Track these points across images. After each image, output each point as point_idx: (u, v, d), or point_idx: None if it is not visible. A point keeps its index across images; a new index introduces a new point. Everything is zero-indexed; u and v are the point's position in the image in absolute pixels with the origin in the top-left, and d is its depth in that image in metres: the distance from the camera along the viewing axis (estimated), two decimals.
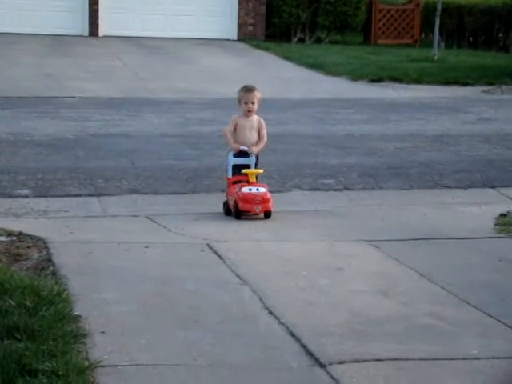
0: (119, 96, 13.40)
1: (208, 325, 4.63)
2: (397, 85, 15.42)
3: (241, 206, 6.90)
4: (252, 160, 7.13)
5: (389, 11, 21.85)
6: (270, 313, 4.83)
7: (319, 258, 5.89)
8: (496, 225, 6.86)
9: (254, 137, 7.12)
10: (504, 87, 15.30)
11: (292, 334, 4.53)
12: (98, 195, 7.68)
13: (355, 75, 16.03)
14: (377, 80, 15.71)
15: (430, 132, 10.94)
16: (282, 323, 4.68)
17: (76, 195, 7.65)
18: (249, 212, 6.94)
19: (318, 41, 21.69)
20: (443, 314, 4.88)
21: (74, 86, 14.05)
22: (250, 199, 6.88)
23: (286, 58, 18.20)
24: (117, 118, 11.42)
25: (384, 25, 21.84)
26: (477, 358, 4.29)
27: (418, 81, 15.63)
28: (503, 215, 7.13)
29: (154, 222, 6.89)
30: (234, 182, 7.06)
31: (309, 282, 5.36)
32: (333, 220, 7.07)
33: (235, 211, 6.96)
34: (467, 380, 4.07)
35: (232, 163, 7.11)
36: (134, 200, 7.59)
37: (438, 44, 18.94)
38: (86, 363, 4.05)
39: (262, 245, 6.22)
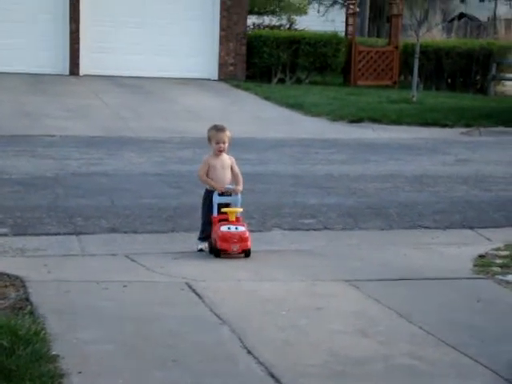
0: (99, 135, 13.41)
1: (187, 364, 4.60)
2: (376, 125, 15.54)
3: (219, 244, 6.91)
4: (238, 199, 7.14)
5: (368, 53, 22.07)
6: (249, 352, 4.81)
7: (299, 298, 5.89)
8: (475, 265, 6.89)
9: (227, 175, 7.17)
10: (482, 129, 15.45)
11: (271, 375, 4.51)
12: (77, 234, 7.66)
13: (335, 116, 16.15)
14: (356, 121, 15.82)
15: (409, 172, 11.01)
16: (261, 363, 4.66)
17: (55, 234, 7.62)
18: (226, 251, 6.93)
19: (299, 81, 21.85)
20: (421, 354, 4.88)
21: (53, 124, 14.05)
22: (227, 238, 6.89)
23: (267, 98, 18.32)
24: (97, 157, 11.42)
25: (363, 66, 22.04)
26: None
27: (397, 122, 15.75)
28: (482, 256, 7.16)
29: (133, 260, 6.86)
30: (220, 221, 7.05)
31: (288, 322, 5.35)
32: (313, 260, 7.07)
33: (214, 250, 6.96)
34: None
35: (217, 202, 7.08)
36: (113, 239, 7.57)
37: (417, 86, 19.13)
38: None
39: (241, 284, 6.21)
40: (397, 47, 22.14)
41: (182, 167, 10.87)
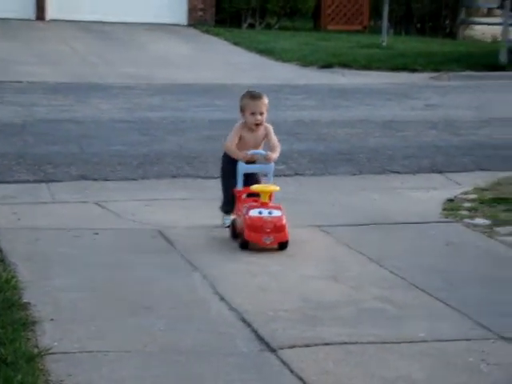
0: (67, 81, 13.25)
1: (159, 311, 4.62)
2: (346, 71, 15.48)
3: (247, 234, 5.60)
4: (270, 168, 5.91)
5: None
6: (222, 298, 4.84)
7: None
8: (443, 209, 6.95)
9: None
10: (451, 74, 15.45)
11: (243, 320, 4.55)
12: (47, 181, 7.61)
13: (305, 61, 16.06)
14: (327, 66, 15.75)
15: (378, 118, 11.02)
16: (233, 309, 4.69)
17: (24, 181, 7.57)
18: (257, 243, 5.64)
19: (268, 27, 21.67)
20: (392, 297, 4.94)
21: (21, 70, 13.85)
22: (258, 227, 5.57)
23: (236, 43, 18.16)
24: (65, 103, 11.30)
25: (333, 11, 21.89)
26: (424, 341, 4.36)
27: (367, 67, 15.71)
28: (450, 200, 7.23)
29: (104, 208, 6.85)
30: (249, 196, 5.85)
31: (260, 268, 5.38)
32: (283, 205, 7.08)
33: (241, 240, 5.69)
34: (414, 362, 4.13)
35: (243, 171, 5.84)
36: (84, 186, 7.53)
37: (387, 30, 19.05)
38: (36, 351, 4.03)
39: (212, 231, 6.22)
40: None
41: (152, 114, 10.80)
